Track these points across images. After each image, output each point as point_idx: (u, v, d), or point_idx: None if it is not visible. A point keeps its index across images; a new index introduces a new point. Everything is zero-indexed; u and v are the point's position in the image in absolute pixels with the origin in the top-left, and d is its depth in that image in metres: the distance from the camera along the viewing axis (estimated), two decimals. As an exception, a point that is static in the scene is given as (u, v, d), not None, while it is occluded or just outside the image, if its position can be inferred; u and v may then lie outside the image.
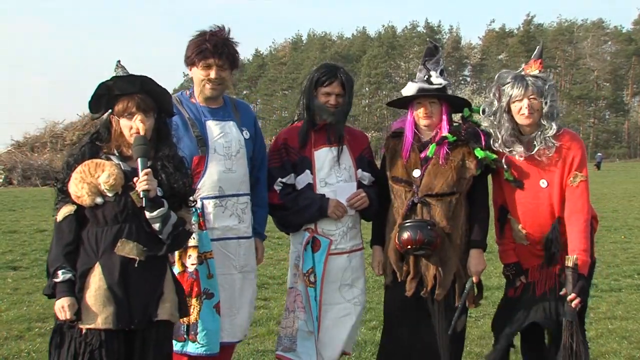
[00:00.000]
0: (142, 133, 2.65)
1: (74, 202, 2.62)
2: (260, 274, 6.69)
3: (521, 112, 3.09)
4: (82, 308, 2.57)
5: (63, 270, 2.56)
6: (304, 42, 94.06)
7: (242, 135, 3.35)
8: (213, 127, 3.27)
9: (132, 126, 2.66)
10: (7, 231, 11.07)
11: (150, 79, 2.73)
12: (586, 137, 75.93)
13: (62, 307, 2.54)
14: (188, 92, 3.37)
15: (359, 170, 3.46)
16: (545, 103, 3.09)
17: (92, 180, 2.59)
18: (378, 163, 3.60)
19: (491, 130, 3.23)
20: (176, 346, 3.11)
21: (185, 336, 3.11)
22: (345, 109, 3.41)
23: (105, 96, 2.70)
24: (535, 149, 3.10)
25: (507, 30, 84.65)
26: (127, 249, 2.60)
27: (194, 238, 3.13)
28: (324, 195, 3.35)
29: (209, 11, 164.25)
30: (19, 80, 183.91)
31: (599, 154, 55.89)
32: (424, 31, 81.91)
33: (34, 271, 7.66)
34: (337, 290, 3.39)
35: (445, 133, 3.25)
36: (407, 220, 3.18)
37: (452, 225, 3.20)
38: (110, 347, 2.59)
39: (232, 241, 3.29)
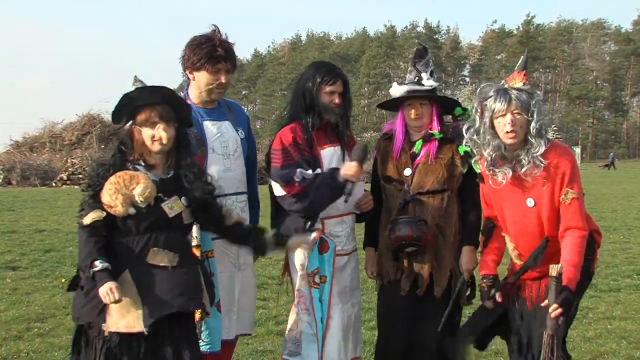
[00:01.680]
0: (164, 142, 2.77)
1: (103, 209, 2.71)
2: (259, 274, 6.70)
3: (505, 128, 2.85)
4: (106, 312, 2.64)
5: (100, 260, 2.62)
6: (303, 42, 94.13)
7: (238, 134, 3.38)
8: (210, 127, 3.29)
9: (154, 135, 2.77)
10: (6, 231, 11.06)
11: (171, 90, 2.87)
12: (585, 137, 76.05)
13: (110, 289, 2.57)
14: (182, 94, 3.38)
15: None
16: (532, 119, 2.86)
17: (127, 192, 2.69)
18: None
19: (475, 150, 3.02)
20: None
21: None
22: (347, 109, 3.36)
23: (128, 107, 2.82)
24: (523, 169, 2.88)
25: (506, 30, 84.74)
26: (159, 257, 2.73)
27: (196, 237, 3.15)
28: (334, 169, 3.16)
29: (206, 11, 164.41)
30: (18, 80, 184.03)
31: (611, 153, 55.77)
32: (423, 31, 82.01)
33: (32, 271, 7.65)
34: (344, 292, 3.34)
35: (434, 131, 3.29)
36: (398, 217, 3.21)
37: (444, 222, 3.23)
38: (131, 348, 2.68)
39: None
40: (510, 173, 2.91)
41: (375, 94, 77.96)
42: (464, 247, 3.26)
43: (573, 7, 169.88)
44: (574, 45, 79.88)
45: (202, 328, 3.13)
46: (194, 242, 3.14)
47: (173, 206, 2.78)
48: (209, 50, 3.18)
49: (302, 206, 3.15)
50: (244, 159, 3.41)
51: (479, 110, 2.97)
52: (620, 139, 79.14)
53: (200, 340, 3.12)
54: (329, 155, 3.30)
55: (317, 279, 3.25)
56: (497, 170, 2.94)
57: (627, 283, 7.07)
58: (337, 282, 3.29)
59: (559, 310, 2.72)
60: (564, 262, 2.78)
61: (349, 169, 3.07)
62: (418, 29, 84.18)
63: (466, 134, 3.03)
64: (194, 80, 3.30)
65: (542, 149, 2.85)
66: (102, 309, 2.64)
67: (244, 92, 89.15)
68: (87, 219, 2.70)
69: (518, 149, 2.90)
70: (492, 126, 2.91)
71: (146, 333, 2.65)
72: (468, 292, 3.31)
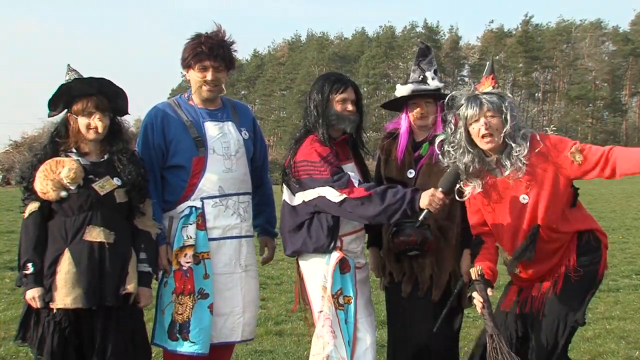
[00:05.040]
0: (100, 131, 2.97)
1: (37, 199, 2.92)
2: (257, 274, 6.69)
3: (480, 133, 2.80)
4: (53, 290, 2.85)
5: (32, 263, 2.87)
6: (303, 42, 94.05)
7: (241, 135, 3.37)
8: (211, 128, 3.29)
9: (90, 123, 2.96)
10: (5, 231, 11.06)
11: (108, 80, 3.01)
12: (584, 137, 76.07)
13: (33, 298, 2.86)
14: (186, 95, 3.39)
15: None
16: (506, 120, 2.80)
17: (54, 176, 2.89)
18: (374, 164, 3.58)
19: (458, 163, 2.90)
20: (170, 345, 3.15)
21: (178, 335, 3.12)
22: (361, 117, 3.25)
23: (65, 96, 2.99)
24: (507, 172, 2.83)
25: (505, 30, 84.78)
26: (95, 234, 2.90)
27: (190, 237, 3.15)
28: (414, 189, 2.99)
29: (207, 11, 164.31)
30: (17, 80, 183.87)
31: None
32: (423, 31, 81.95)
33: (31, 271, 7.64)
34: (367, 304, 3.26)
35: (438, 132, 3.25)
36: (402, 221, 3.17)
37: (447, 224, 3.21)
38: (79, 325, 2.89)
39: (234, 240, 3.29)
40: (479, 188, 2.88)
41: (375, 94, 77.88)
42: (465, 250, 3.23)
43: (571, 8, 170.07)
44: (572, 45, 79.87)
45: (191, 328, 3.11)
46: (189, 242, 3.15)
47: (104, 185, 2.97)
48: (194, 48, 3.20)
49: (367, 213, 2.96)
50: (249, 160, 3.40)
51: (452, 121, 2.92)
52: (619, 139, 78.99)
53: (188, 341, 3.11)
54: (349, 170, 3.16)
55: (341, 300, 3.10)
56: (470, 181, 2.89)
57: (626, 283, 7.10)
58: (361, 296, 3.21)
59: (480, 302, 2.80)
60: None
61: (433, 198, 2.85)
62: (417, 29, 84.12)
63: (439, 149, 2.95)
64: (189, 79, 3.33)
65: (525, 150, 2.80)
66: (50, 287, 2.85)
67: (243, 92, 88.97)
68: (26, 212, 2.95)
69: (498, 154, 2.86)
70: (469, 134, 2.86)
71: (94, 308, 2.85)
72: (469, 293, 3.30)
